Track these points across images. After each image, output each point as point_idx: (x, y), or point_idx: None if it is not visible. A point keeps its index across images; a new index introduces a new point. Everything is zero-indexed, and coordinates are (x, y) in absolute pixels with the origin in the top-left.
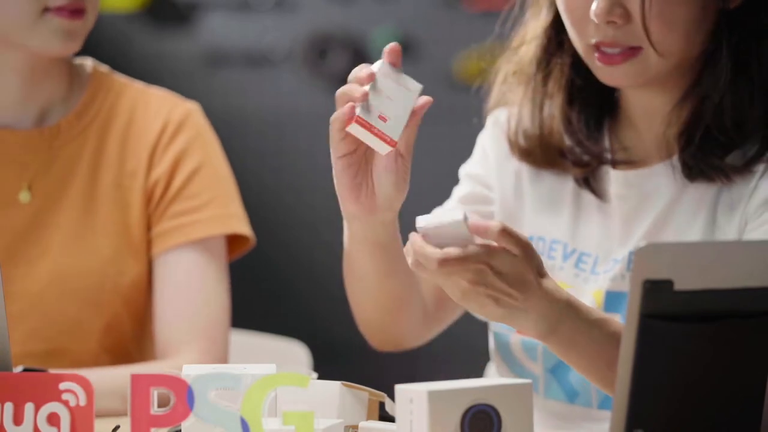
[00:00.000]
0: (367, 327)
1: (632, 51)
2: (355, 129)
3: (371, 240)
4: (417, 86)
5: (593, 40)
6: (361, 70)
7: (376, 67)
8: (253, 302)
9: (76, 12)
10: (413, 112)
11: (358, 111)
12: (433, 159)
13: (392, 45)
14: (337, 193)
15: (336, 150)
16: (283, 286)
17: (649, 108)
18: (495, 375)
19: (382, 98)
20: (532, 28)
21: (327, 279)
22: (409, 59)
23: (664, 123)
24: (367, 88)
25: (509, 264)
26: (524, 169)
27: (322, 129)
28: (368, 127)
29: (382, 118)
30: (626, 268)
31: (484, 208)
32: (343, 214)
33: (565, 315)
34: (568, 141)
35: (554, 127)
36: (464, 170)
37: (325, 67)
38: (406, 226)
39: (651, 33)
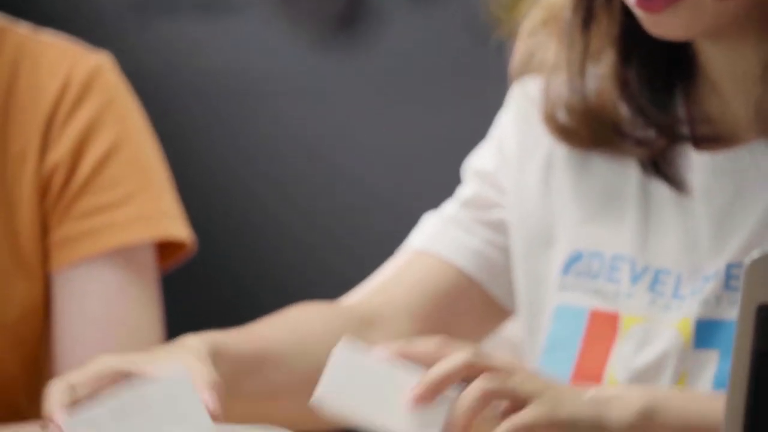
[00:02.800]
0: None
1: None
2: None
3: None
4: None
5: None
6: None
7: None
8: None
9: None
10: None
11: None
12: (450, 139)
13: None
14: None
15: None
16: (250, 304)
17: (735, 65)
18: None
19: None
20: None
21: (310, 294)
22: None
23: (759, 84)
24: None
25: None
26: (560, 158)
27: (304, 98)
28: None
29: None
30: (723, 286)
31: (487, 216)
32: None
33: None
34: (625, 110)
35: (605, 93)
36: (470, 163)
37: (308, 11)
38: (407, 223)
39: None
